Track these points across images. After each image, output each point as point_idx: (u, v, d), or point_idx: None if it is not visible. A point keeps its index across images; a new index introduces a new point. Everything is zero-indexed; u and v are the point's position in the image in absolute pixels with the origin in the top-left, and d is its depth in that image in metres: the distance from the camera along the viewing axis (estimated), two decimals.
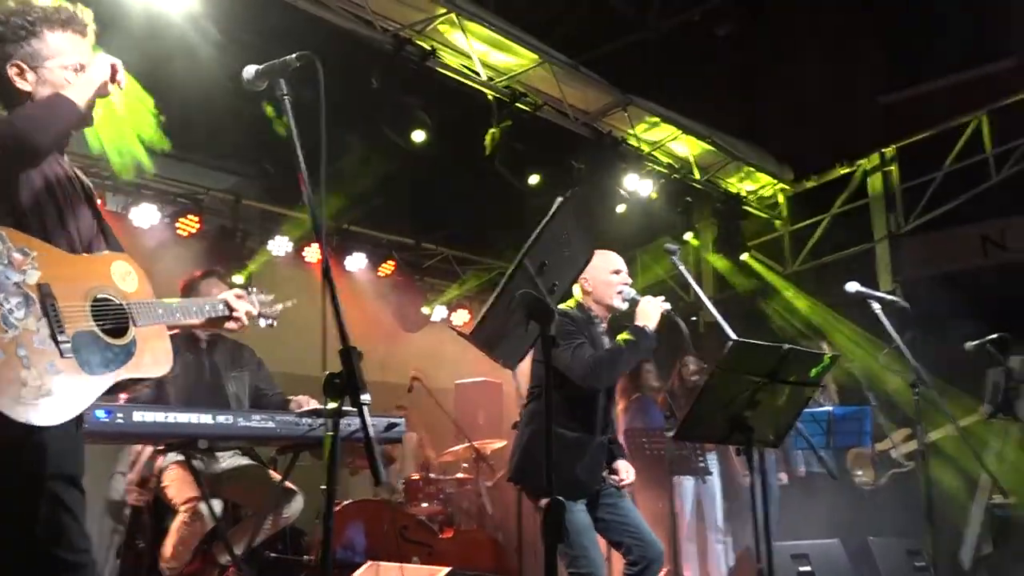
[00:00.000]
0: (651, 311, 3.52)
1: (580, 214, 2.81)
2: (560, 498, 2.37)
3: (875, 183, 9.10)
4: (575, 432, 3.50)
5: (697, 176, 8.73)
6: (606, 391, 3.64)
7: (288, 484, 3.86)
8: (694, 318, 8.14)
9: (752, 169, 9.17)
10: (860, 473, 6.16)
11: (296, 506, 3.95)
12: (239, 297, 2.70)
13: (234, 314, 2.66)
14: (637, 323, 3.51)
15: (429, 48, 6.07)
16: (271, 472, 4.21)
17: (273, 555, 4.81)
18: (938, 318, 6.91)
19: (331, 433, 2.00)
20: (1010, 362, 5.39)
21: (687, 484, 6.18)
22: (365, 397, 1.92)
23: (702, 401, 3.13)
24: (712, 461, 6.09)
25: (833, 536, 5.34)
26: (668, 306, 3.55)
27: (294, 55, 2.20)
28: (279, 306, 3.04)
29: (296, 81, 2.22)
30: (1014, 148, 8.11)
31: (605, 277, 3.67)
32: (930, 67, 9.01)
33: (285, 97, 2.20)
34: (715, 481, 6.29)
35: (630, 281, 3.71)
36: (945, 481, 5.83)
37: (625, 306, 3.64)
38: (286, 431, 3.45)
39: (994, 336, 5.21)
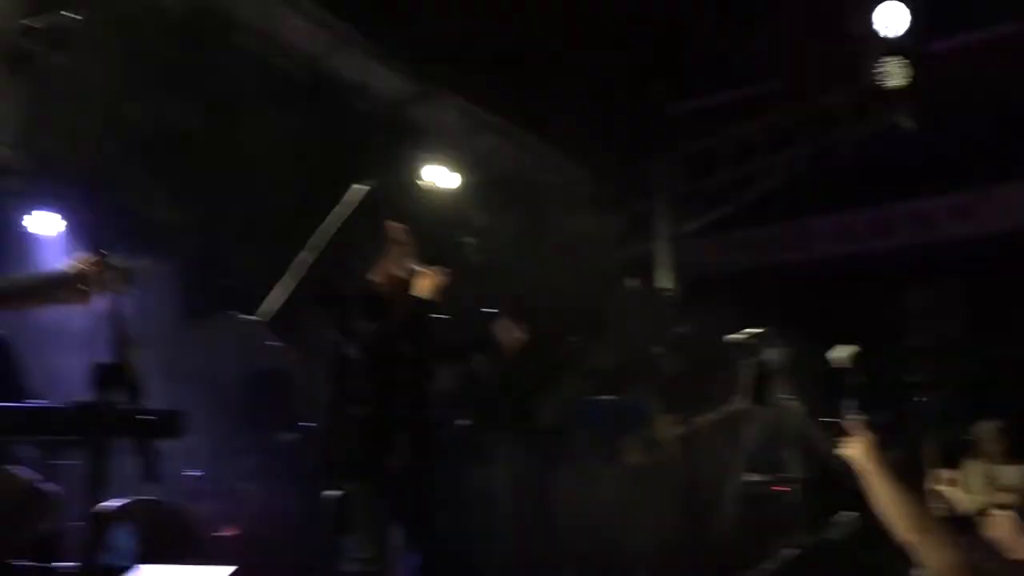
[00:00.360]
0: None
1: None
2: None
3: (658, 185, 9.76)
4: None
5: None
6: None
7: (42, 484, 3.55)
8: None
9: None
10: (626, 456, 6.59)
11: (51, 508, 3.62)
12: None
13: None
14: None
15: None
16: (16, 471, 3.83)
17: (23, 564, 4.39)
18: (709, 315, 7.57)
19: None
20: (767, 353, 5.98)
21: None
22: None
23: None
24: None
25: None
26: None
27: None
28: None
29: None
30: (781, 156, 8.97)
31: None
32: (715, 80, 9.79)
33: None
34: None
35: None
36: (703, 465, 6.39)
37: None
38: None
39: (756, 330, 5.77)
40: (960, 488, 6.53)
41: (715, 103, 10.00)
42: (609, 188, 9.86)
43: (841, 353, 3.29)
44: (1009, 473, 7.02)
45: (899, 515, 2.81)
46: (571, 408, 6.18)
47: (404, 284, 3.72)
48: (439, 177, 7.99)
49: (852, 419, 3.04)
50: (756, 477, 6.20)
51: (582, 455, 6.34)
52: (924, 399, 7.17)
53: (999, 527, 3.04)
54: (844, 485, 3.11)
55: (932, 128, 8.04)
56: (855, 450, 2.98)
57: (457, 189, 8.27)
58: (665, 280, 9.38)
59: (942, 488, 5.63)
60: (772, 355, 6.15)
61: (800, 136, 8.61)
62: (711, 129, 9.33)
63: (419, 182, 7.85)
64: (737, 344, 5.76)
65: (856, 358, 3.24)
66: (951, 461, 6.73)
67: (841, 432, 3.02)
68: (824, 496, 6.32)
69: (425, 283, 3.66)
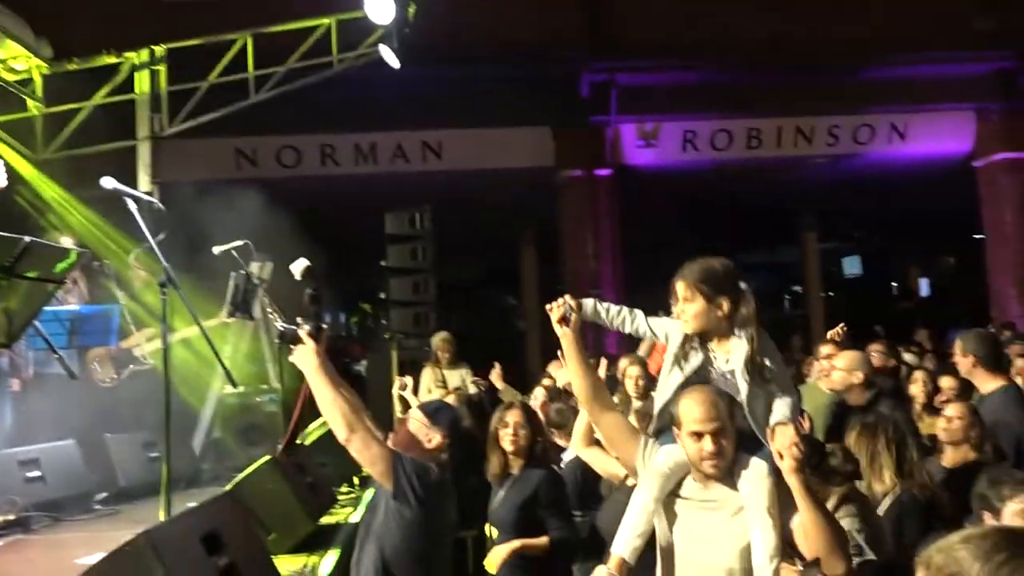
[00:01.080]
0: None
1: None
2: None
3: (142, 80, 8.90)
4: None
5: None
6: None
7: None
8: None
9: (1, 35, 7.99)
10: (99, 370, 6.08)
11: None
12: None
13: None
14: None
15: None
16: None
17: None
18: (192, 223, 7.21)
19: None
20: (251, 267, 5.94)
21: None
22: None
23: None
24: None
25: (70, 437, 5.18)
26: None
27: None
28: None
29: None
30: (271, 74, 8.85)
31: None
32: None
33: None
34: None
35: None
36: (186, 375, 6.17)
37: None
38: None
39: (239, 243, 5.67)
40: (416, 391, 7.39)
41: None
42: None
43: (297, 266, 3.40)
44: (454, 376, 8.16)
45: (337, 414, 3.07)
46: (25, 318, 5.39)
47: None
48: None
49: (303, 328, 3.21)
50: (239, 388, 6.18)
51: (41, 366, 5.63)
52: (392, 313, 7.89)
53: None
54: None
55: (415, 67, 8.70)
56: (301, 355, 3.16)
57: None
58: (144, 183, 8.66)
59: (402, 392, 6.27)
60: (256, 267, 6.15)
61: (290, 55, 8.61)
62: (204, 28, 8.79)
63: None
64: (224, 255, 5.63)
65: (306, 272, 3.38)
66: (414, 367, 7.56)
67: (295, 339, 3.17)
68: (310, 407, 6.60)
69: None
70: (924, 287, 22.04)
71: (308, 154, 10.90)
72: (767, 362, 2.62)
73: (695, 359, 2.70)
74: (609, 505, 3.91)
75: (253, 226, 6.17)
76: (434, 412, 3.56)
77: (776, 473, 2.46)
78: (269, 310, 5.75)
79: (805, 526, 2.36)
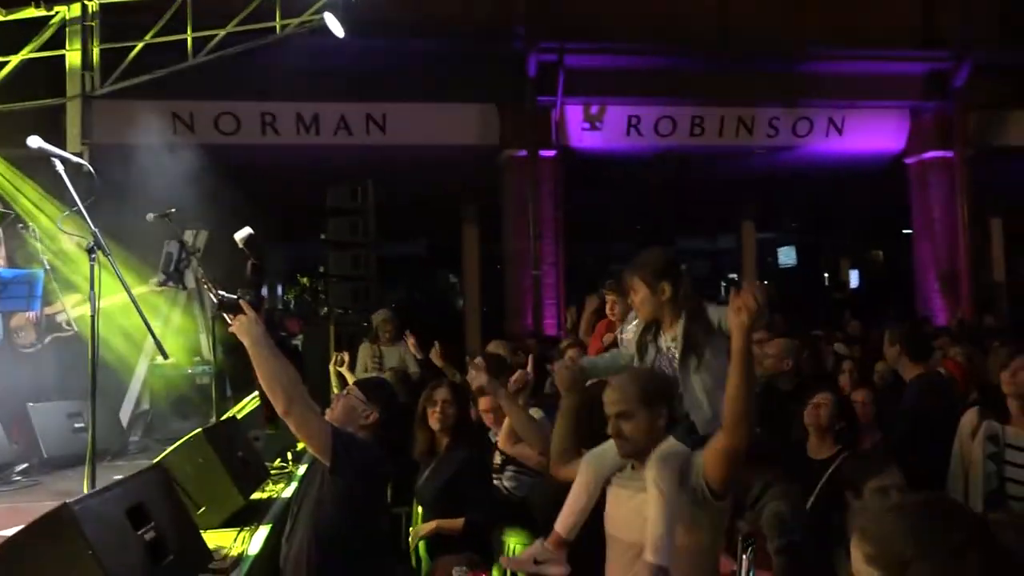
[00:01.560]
0: None
1: None
2: None
3: (74, 36, 8.55)
4: None
5: None
6: None
7: None
8: None
9: None
10: (22, 336, 5.86)
11: None
12: None
13: None
14: None
15: None
16: None
17: None
18: (125, 187, 6.98)
19: None
20: (185, 235, 5.78)
21: None
22: None
23: None
24: None
25: None
26: None
27: None
28: None
29: None
30: (211, 36, 8.59)
31: None
32: None
33: None
34: None
35: None
36: (114, 344, 5.99)
37: None
38: None
39: (173, 210, 5.50)
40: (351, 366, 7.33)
41: None
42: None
43: (240, 235, 3.34)
44: (392, 354, 8.11)
45: (278, 387, 3.02)
46: None
47: None
48: None
49: (243, 298, 3.14)
50: (165, 359, 6.03)
51: None
52: (331, 287, 7.78)
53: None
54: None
55: (361, 38, 8.55)
56: (241, 326, 3.09)
57: None
58: (74, 144, 8.35)
59: (339, 368, 6.20)
60: (190, 236, 5.99)
61: (232, 18, 8.36)
62: None
63: None
64: (158, 222, 5.46)
65: (247, 240, 3.31)
66: (352, 342, 7.48)
67: (235, 309, 3.10)
68: (237, 375, 6.48)
69: None
70: (855, 279, 22.72)
71: (248, 122, 10.62)
72: (703, 336, 2.73)
73: (651, 352, 2.87)
74: (538, 484, 3.96)
75: (188, 194, 6.01)
76: (371, 389, 3.54)
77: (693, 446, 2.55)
78: (203, 280, 5.61)
79: (729, 389, 2.40)
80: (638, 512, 2.57)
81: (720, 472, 2.45)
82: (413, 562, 4.24)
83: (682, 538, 2.47)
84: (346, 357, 6.03)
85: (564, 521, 2.76)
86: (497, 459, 4.42)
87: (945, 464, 4.10)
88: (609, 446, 2.69)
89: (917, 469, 3.90)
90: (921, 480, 3.92)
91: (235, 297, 3.16)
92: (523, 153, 11.08)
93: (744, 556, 1.63)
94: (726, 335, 2.63)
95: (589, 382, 3.06)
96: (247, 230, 3.34)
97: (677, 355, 2.76)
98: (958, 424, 4.13)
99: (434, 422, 4.15)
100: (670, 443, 2.60)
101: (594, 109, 11.41)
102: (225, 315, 3.14)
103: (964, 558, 1.36)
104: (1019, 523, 1.42)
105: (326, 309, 8.39)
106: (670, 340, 2.82)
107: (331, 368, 6.29)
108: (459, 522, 4.03)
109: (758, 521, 3.43)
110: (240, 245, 3.32)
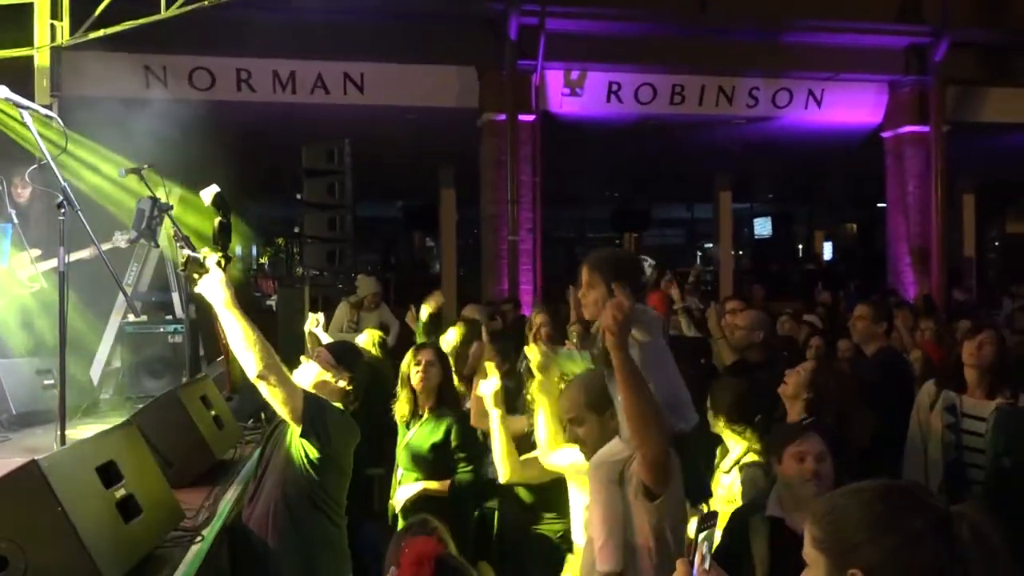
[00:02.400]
0: None
1: None
2: None
3: None
4: None
5: None
6: None
7: None
8: None
9: None
10: None
11: None
12: None
13: None
14: None
15: None
16: None
17: None
18: (95, 141, 6.85)
19: None
20: (157, 191, 5.68)
21: None
22: None
23: None
24: None
25: None
26: None
27: None
28: None
29: None
30: None
31: None
32: None
33: None
34: None
35: None
36: (83, 302, 5.90)
37: None
38: None
39: (145, 165, 5.40)
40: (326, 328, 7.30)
41: None
42: None
43: (207, 193, 3.29)
44: (371, 318, 8.09)
45: (251, 350, 2.99)
46: None
47: None
48: None
49: (210, 257, 3.10)
50: (142, 317, 5.97)
51: None
52: (307, 248, 7.71)
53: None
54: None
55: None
56: (210, 286, 3.05)
57: None
58: (43, 96, 8.14)
59: (313, 329, 6.18)
60: (163, 193, 5.88)
61: None
62: None
63: None
64: (131, 173, 5.36)
65: (215, 199, 3.27)
66: (327, 304, 7.45)
67: (202, 268, 3.06)
68: (205, 337, 6.43)
69: None
70: (828, 251, 22.95)
71: (222, 78, 10.42)
72: (635, 333, 2.56)
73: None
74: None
75: (161, 149, 5.90)
76: (342, 353, 3.55)
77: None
78: (176, 238, 5.53)
79: (624, 406, 2.36)
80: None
81: (649, 477, 2.38)
82: (389, 522, 4.28)
83: (626, 534, 2.44)
84: (320, 318, 6.00)
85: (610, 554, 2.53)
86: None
87: (900, 438, 4.21)
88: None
89: (872, 443, 3.97)
90: (876, 453, 4.01)
91: (200, 256, 3.12)
92: (502, 117, 10.99)
93: (700, 538, 1.61)
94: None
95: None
96: (214, 188, 3.28)
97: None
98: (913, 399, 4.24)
99: (417, 383, 4.17)
100: (608, 447, 2.60)
101: (575, 74, 11.33)
102: (192, 274, 3.09)
103: (919, 546, 1.35)
104: (977, 520, 1.39)
105: (301, 270, 8.32)
106: None
107: (305, 329, 6.26)
108: (445, 485, 4.07)
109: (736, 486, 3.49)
110: (207, 203, 3.26)
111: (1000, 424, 3.80)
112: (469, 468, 4.12)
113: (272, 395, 3.13)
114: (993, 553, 1.35)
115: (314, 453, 3.19)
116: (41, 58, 8.26)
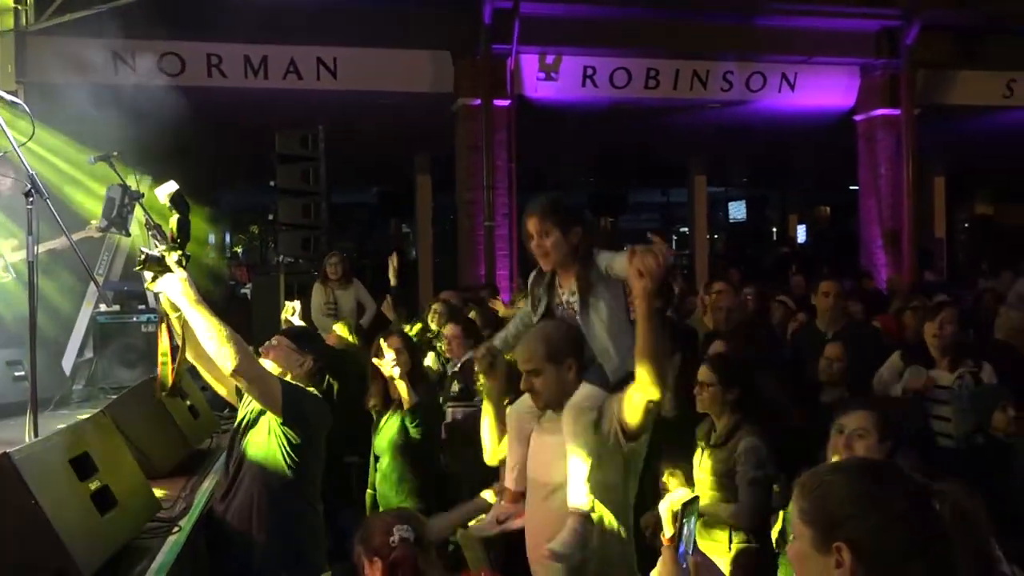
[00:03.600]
0: None
1: None
2: None
3: None
4: None
5: None
6: None
7: None
8: None
9: None
10: None
11: None
12: None
13: None
14: None
15: None
16: None
17: None
18: (63, 129, 6.74)
19: None
20: (128, 179, 5.60)
21: None
22: None
23: None
24: None
25: None
26: None
27: None
28: None
29: None
30: None
31: None
32: None
33: None
34: None
35: None
36: (54, 292, 5.83)
37: None
38: None
39: (115, 153, 5.32)
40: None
41: None
42: None
43: (163, 190, 3.23)
44: (346, 296, 8.03)
45: (225, 346, 2.97)
46: None
47: None
48: None
49: (170, 255, 3.04)
50: (115, 307, 5.90)
51: None
52: (281, 236, 7.66)
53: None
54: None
55: None
56: (173, 285, 3.01)
57: None
58: (7, 82, 7.99)
59: (290, 317, 6.14)
60: (133, 181, 5.80)
61: None
62: None
63: None
64: (100, 160, 5.28)
65: (173, 196, 3.23)
66: (302, 291, 7.40)
67: (161, 266, 3.01)
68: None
69: None
70: (802, 234, 23.14)
71: (192, 63, 10.26)
72: (598, 282, 2.71)
73: (542, 303, 2.86)
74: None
75: (131, 136, 5.81)
76: (300, 337, 3.54)
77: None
78: (148, 226, 5.46)
79: (642, 352, 2.40)
80: (557, 454, 2.65)
81: (636, 420, 2.52)
82: (368, 510, 4.28)
83: (595, 474, 2.56)
84: (297, 306, 5.97)
85: (510, 475, 2.85)
86: (455, 388, 4.51)
87: None
88: (527, 396, 2.77)
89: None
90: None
91: (159, 255, 3.04)
92: (477, 102, 10.93)
93: (684, 522, 1.63)
94: (618, 280, 2.64)
95: (509, 356, 3.03)
96: (172, 185, 3.21)
97: (576, 305, 2.73)
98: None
99: (387, 372, 4.15)
100: (583, 392, 2.65)
101: (550, 59, 11.28)
102: (146, 272, 3.00)
103: (902, 523, 1.40)
104: (959, 497, 1.45)
105: (276, 258, 8.26)
106: (569, 294, 2.78)
107: (282, 317, 6.23)
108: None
109: (731, 457, 3.55)
110: (163, 201, 3.18)
111: (968, 401, 3.99)
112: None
113: (251, 388, 3.11)
114: (974, 529, 1.39)
115: (296, 439, 3.19)
116: (5, 44, 8.11)
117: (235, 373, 3.02)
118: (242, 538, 3.20)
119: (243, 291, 10.20)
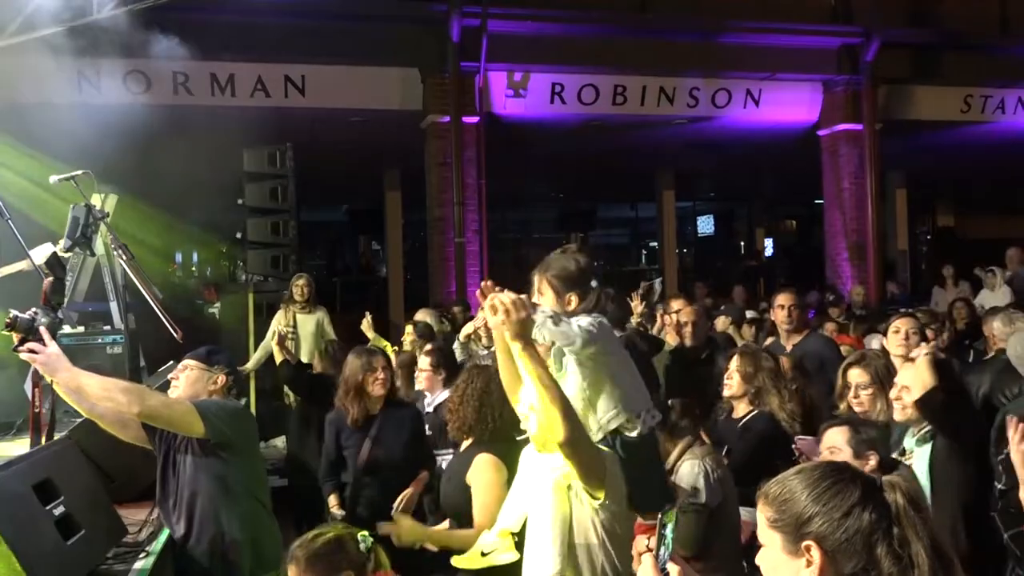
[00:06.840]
0: None
1: None
2: None
3: None
4: None
5: None
6: None
7: None
8: None
9: None
10: None
11: None
12: None
13: None
14: None
15: None
16: None
17: None
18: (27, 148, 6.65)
19: None
20: (92, 199, 5.53)
21: None
22: None
23: None
24: None
25: None
26: None
27: None
28: None
29: None
30: None
31: None
32: None
33: None
34: None
35: None
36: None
37: None
38: None
39: (79, 172, 5.26)
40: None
41: None
42: None
43: (39, 253, 3.18)
44: (308, 321, 7.95)
45: (119, 396, 2.96)
46: None
47: None
48: None
49: (41, 322, 2.99)
50: (79, 329, 5.80)
51: None
52: (250, 254, 7.60)
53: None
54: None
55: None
56: (50, 360, 2.94)
57: None
58: None
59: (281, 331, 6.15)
60: (99, 200, 5.73)
61: None
62: None
63: None
64: (60, 185, 5.21)
65: (52, 259, 3.19)
66: (271, 311, 7.34)
67: (32, 333, 2.95)
68: (145, 347, 6.28)
69: None
70: (769, 247, 23.41)
71: (158, 81, 10.18)
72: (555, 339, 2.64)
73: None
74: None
75: (95, 154, 5.74)
76: (208, 354, 3.53)
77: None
78: (114, 246, 5.38)
79: (539, 399, 2.33)
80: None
81: (576, 469, 2.38)
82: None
83: (577, 539, 2.45)
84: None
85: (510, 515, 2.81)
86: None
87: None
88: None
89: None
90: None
91: (30, 319, 2.96)
92: (446, 119, 10.95)
93: (668, 527, 1.65)
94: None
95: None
96: (48, 247, 3.13)
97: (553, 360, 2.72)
98: None
99: (377, 388, 4.29)
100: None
101: (518, 76, 11.35)
102: (12, 334, 2.93)
103: (861, 513, 1.49)
104: (906, 486, 1.54)
105: (244, 277, 8.18)
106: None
107: (272, 346, 6.22)
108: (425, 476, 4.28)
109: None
110: (39, 263, 3.09)
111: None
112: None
113: (160, 420, 3.11)
114: (922, 513, 1.51)
115: (224, 454, 3.22)
116: None
117: (141, 416, 3.03)
118: (205, 548, 3.20)
119: (211, 310, 10.09)
